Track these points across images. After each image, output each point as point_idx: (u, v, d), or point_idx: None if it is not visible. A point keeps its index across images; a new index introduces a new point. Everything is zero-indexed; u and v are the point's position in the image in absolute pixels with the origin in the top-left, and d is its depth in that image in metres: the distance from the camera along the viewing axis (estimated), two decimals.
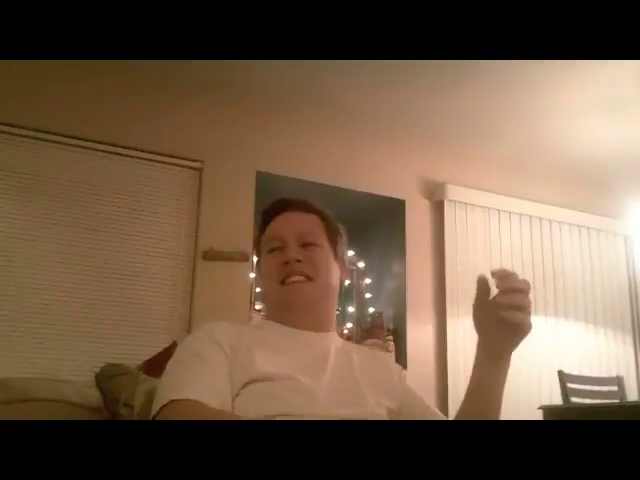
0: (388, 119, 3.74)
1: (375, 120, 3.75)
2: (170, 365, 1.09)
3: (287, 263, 1.16)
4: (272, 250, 1.20)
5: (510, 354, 1.04)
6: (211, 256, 3.30)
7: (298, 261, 1.16)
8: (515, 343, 1.01)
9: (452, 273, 3.90)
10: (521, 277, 0.99)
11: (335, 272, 1.22)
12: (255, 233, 1.30)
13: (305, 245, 1.19)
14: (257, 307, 3.72)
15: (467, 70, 3.19)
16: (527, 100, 3.47)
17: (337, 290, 1.24)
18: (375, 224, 4.08)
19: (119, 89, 3.29)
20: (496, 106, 3.56)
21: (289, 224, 1.22)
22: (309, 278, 1.17)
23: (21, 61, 3.01)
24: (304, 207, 1.25)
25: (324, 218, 1.26)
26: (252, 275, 3.59)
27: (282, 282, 1.16)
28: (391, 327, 3.83)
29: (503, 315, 0.95)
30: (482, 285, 1.00)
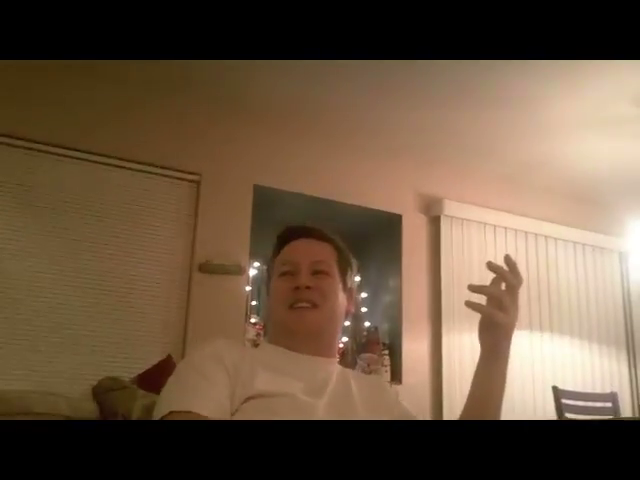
0: (386, 134, 3.76)
1: (373, 135, 3.77)
2: (171, 379, 1.09)
3: (297, 289, 1.19)
4: (284, 274, 1.23)
5: (497, 354, 1.06)
6: (207, 269, 3.30)
7: (308, 288, 1.19)
8: (496, 342, 1.04)
9: (448, 288, 3.91)
10: (516, 273, 1.01)
11: (342, 302, 1.25)
12: (268, 255, 1.33)
13: (316, 273, 1.22)
14: (252, 320, 3.72)
15: (466, 86, 3.22)
16: (525, 117, 3.50)
17: (342, 319, 1.26)
18: (372, 238, 4.10)
19: (117, 101, 3.30)
20: (494, 123, 3.58)
21: (303, 250, 1.25)
22: (315, 305, 1.19)
23: (19, 71, 3.03)
24: (319, 235, 1.28)
25: (337, 248, 1.28)
26: (248, 288, 3.59)
27: (290, 307, 1.19)
28: (386, 341, 3.83)
29: (482, 313, 0.98)
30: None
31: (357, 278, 1.34)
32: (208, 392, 1.02)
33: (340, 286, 1.24)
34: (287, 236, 1.28)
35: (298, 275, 1.20)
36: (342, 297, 1.25)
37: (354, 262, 1.32)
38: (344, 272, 1.27)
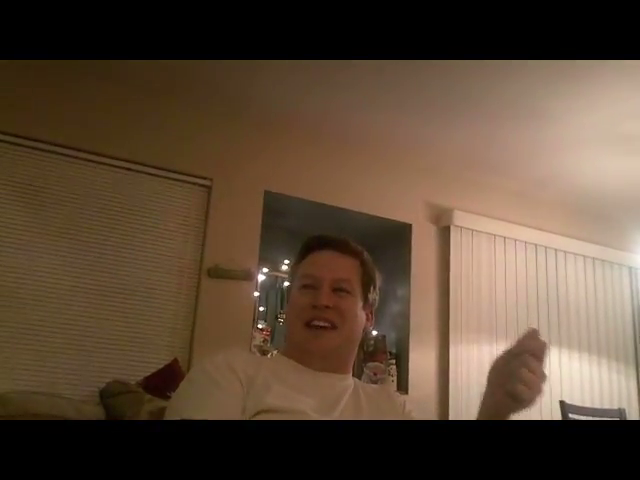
0: (398, 144, 3.76)
1: (385, 144, 3.77)
2: (183, 386, 1.08)
3: (316, 307, 1.17)
4: (304, 287, 1.21)
5: (506, 417, 0.98)
6: (216, 274, 3.30)
7: (327, 307, 1.17)
8: (511, 411, 0.96)
9: (456, 299, 3.89)
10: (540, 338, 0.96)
11: (361, 320, 1.23)
12: (292, 261, 1.31)
13: (337, 290, 1.19)
14: (259, 326, 3.72)
15: (478, 101, 3.22)
16: (536, 132, 3.49)
17: (359, 337, 1.24)
18: (381, 247, 4.07)
19: (130, 104, 3.32)
20: (506, 137, 3.58)
21: (326, 265, 1.22)
22: (334, 326, 1.17)
23: (32, 72, 3.06)
24: (344, 248, 1.25)
25: (362, 263, 1.26)
26: (256, 294, 3.59)
27: (307, 324, 1.17)
28: (394, 351, 3.81)
29: (508, 387, 0.91)
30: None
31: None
32: (220, 402, 1.02)
33: (360, 304, 1.23)
34: (312, 246, 1.26)
35: (318, 291, 1.18)
36: (361, 315, 1.23)
37: (378, 277, 1.29)
38: (366, 289, 1.25)
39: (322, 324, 1.16)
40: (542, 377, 0.93)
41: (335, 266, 1.22)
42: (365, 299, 1.24)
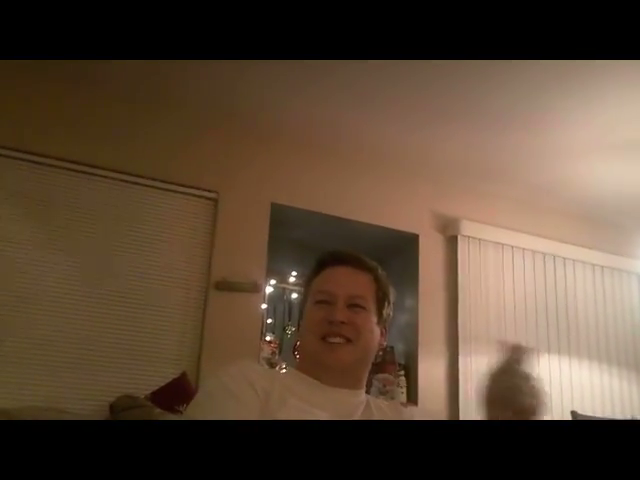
0: (402, 154, 3.76)
1: (390, 155, 3.78)
2: (200, 398, 1.09)
3: (331, 322, 1.18)
4: (319, 302, 1.22)
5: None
6: (223, 286, 3.30)
7: (342, 322, 1.18)
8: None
9: (465, 309, 3.87)
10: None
11: (376, 336, 1.24)
12: (306, 275, 1.32)
13: (352, 306, 1.20)
14: (267, 338, 3.71)
15: (482, 110, 3.22)
16: (541, 139, 3.48)
17: (374, 353, 1.25)
18: (388, 258, 4.07)
19: (134, 118, 3.34)
20: (509, 146, 3.57)
21: (341, 280, 1.23)
22: (349, 341, 1.18)
23: (38, 87, 3.09)
24: (358, 264, 1.27)
25: (377, 279, 1.27)
26: (264, 306, 3.58)
27: (322, 339, 1.18)
28: (402, 362, 3.80)
29: (516, 406, 0.93)
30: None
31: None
32: (239, 414, 1.01)
33: (375, 320, 1.23)
34: (326, 261, 1.27)
35: (334, 307, 1.19)
36: (376, 331, 1.23)
37: (392, 292, 1.30)
38: (381, 305, 1.25)
39: (337, 340, 1.17)
40: (539, 381, 0.93)
41: (350, 282, 1.23)
42: (380, 315, 1.25)
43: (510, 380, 0.91)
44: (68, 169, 3.14)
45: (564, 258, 4.28)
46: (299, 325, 1.30)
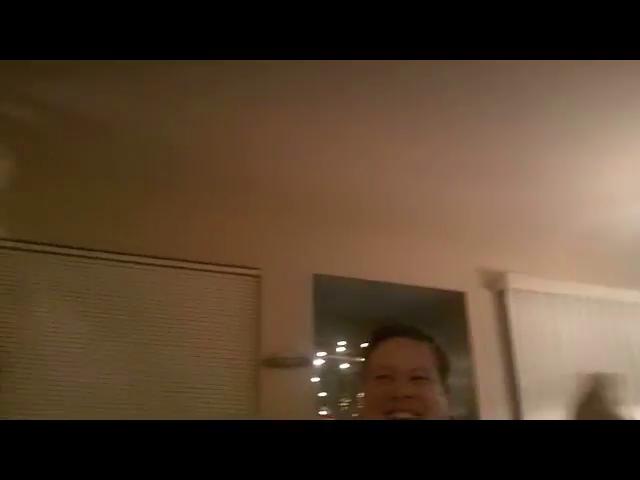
0: (442, 212, 3.73)
1: (430, 214, 3.74)
2: None
3: (395, 398, 1.14)
4: (381, 377, 1.18)
5: None
6: (273, 363, 3.27)
7: (408, 397, 1.14)
8: None
9: (524, 365, 3.73)
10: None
11: (442, 407, 1.20)
12: (363, 350, 1.30)
13: (415, 378, 1.17)
14: (322, 413, 3.62)
15: (521, 161, 3.21)
16: (587, 185, 3.44)
17: None
18: (435, 319, 3.98)
19: (172, 204, 3.40)
20: (552, 195, 3.53)
21: (400, 353, 1.20)
22: (418, 415, 1.14)
23: (66, 180, 3.17)
24: (416, 334, 1.25)
25: (436, 349, 1.24)
26: (315, 379, 3.52)
27: (387, 415, 1.14)
28: None
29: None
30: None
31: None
32: None
33: (440, 390, 1.20)
34: (383, 334, 1.25)
35: (396, 382, 1.15)
36: (443, 401, 1.20)
37: (450, 361, 1.27)
38: (443, 374, 1.22)
39: (405, 415, 1.13)
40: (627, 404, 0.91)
41: (410, 354, 1.20)
42: (443, 384, 1.22)
43: (599, 405, 0.88)
44: (106, 259, 3.17)
45: (621, 303, 4.12)
46: (358, 401, 1.26)
